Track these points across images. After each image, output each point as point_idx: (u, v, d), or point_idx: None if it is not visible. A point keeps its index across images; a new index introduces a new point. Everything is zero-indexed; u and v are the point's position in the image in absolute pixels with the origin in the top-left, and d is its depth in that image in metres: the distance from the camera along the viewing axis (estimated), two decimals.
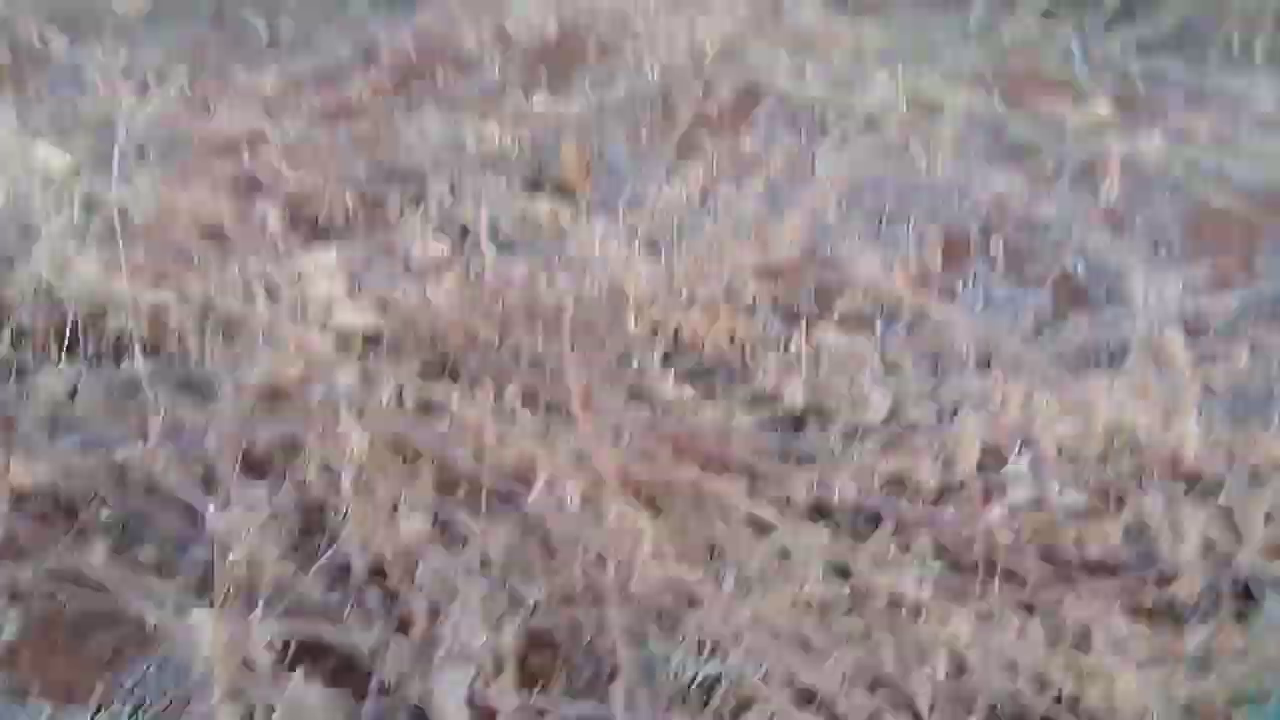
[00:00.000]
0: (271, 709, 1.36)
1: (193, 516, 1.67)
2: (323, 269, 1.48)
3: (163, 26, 3.06)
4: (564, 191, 2.10)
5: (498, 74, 2.54)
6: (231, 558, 1.48)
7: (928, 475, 1.38)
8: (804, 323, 1.67)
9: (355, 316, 1.51)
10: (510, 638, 1.42)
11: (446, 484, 1.58)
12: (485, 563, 1.47)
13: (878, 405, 1.47)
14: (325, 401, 1.61)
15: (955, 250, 1.92)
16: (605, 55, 2.57)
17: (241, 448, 1.62)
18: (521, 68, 2.54)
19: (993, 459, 1.43)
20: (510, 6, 2.50)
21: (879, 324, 1.73)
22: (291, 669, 1.37)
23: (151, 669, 1.56)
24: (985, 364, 1.64)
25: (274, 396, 1.68)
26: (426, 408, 1.60)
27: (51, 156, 1.95)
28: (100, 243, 1.82)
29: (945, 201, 2.04)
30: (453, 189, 2.15)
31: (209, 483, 1.62)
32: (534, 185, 2.16)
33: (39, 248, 1.71)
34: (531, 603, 1.47)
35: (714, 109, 2.20)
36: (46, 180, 1.95)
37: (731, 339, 1.65)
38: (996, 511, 1.35)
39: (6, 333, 1.82)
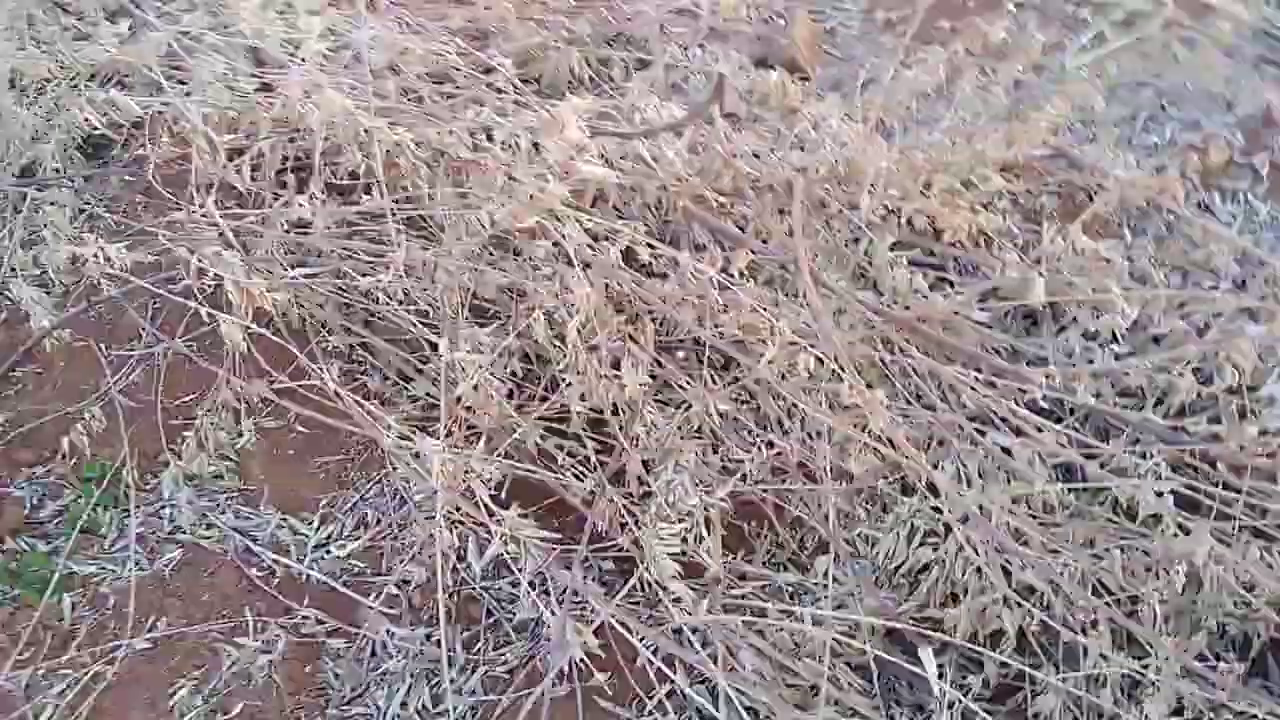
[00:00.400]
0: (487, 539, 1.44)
1: (416, 353, 1.76)
2: (569, 119, 1.49)
3: None
4: (793, 69, 2.06)
5: None
6: (456, 394, 1.55)
7: (1179, 388, 1.34)
8: (1047, 222, 1.61)
9: (595, 169, 1.53)
10: (721, 501, 1.46)
11: (667, 345, 1.62)
12: (701, 425, 1.51)
13: (1124, 313, 1.42)
14: (553, 252, 1.66)
15: (1215, 163, 1.82)
16: None
17: (469, 290, 1.68)
18: None
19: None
20: None
21: (1127, 231, 1.68)
22: (507, 506, 1.43)
23: (374, 489, 1.67)
24: (1240, 283, 1.57)
25: (502, 244, 1.74)
26: (652, 268, 1.62)
27: None
28: (341, 79, 1.88)
29: (1208, 110, 1.93)
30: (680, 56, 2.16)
31: (435, 321, 1.69)
32: (763, 60, 2.13)
33: (286, 78, 1.77)
34: (744, 470, 1.50)
35: None
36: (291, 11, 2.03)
37: (968, 231, 1.62)
38: (1249, 432, 1.30)
39: (248, 160, 1.91)
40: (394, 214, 1.67)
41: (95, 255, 1.66)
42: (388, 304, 1.72)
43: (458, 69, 2.05)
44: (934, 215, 1.63)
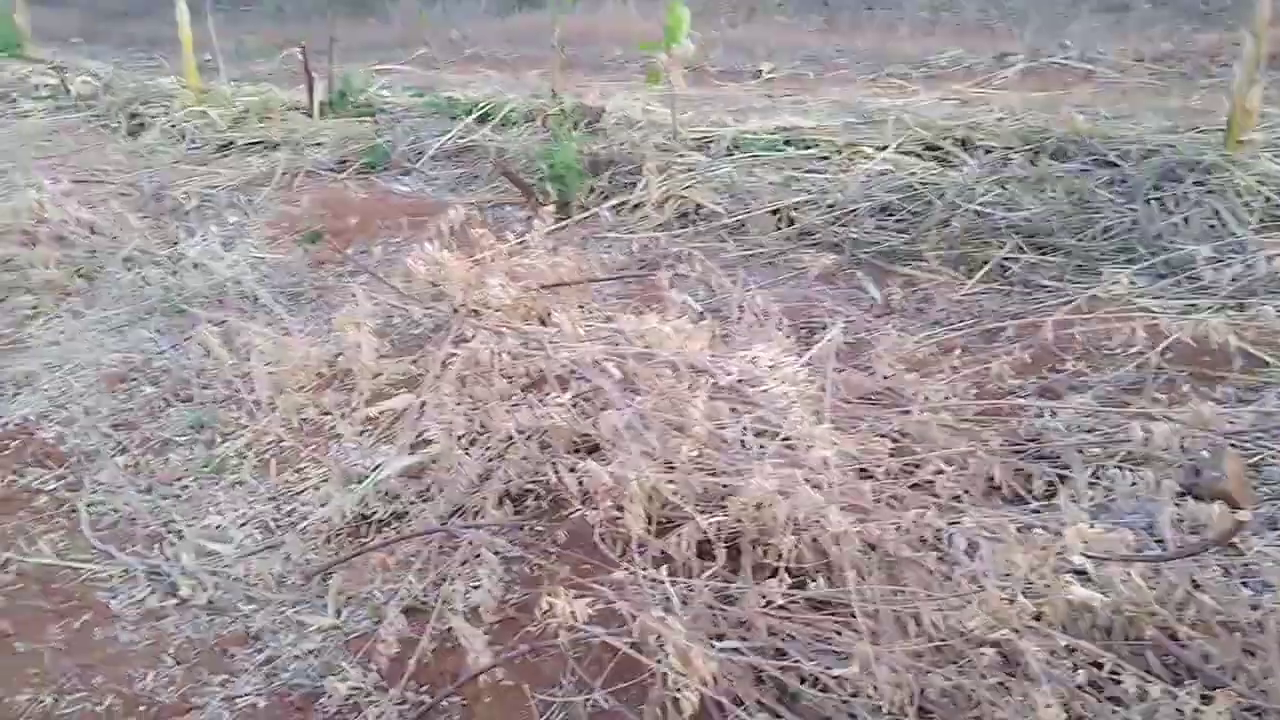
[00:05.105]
0: None
1: None
2: (1073, 541, 1.60)
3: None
4: (1227, 502, 2.11)
5: (1136, 370, 2.65)
6: None
7: None
8: None
9: (1083, 591, 1.62)
10: None
11: None
12: None
13: None
14: (997, 661, 1.72)
15: None
16: (1252, 367, 2.61)
17: (912, 690, 1.75)
18: (1160, 368, 2.64)
19: None
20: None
21: None
22: None
23: None
24: None
25: (941, 648, 1.81)
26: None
27: None
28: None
29: None
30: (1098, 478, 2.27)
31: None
32: (1188, 490, 2.20)
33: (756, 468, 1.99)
34: None
35: None
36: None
37: None
38: None
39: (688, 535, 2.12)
40: (855, 607, 1.80)
41: (564, 610, 1.87)
42: (815, 688, 1.82)
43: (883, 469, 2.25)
44: None
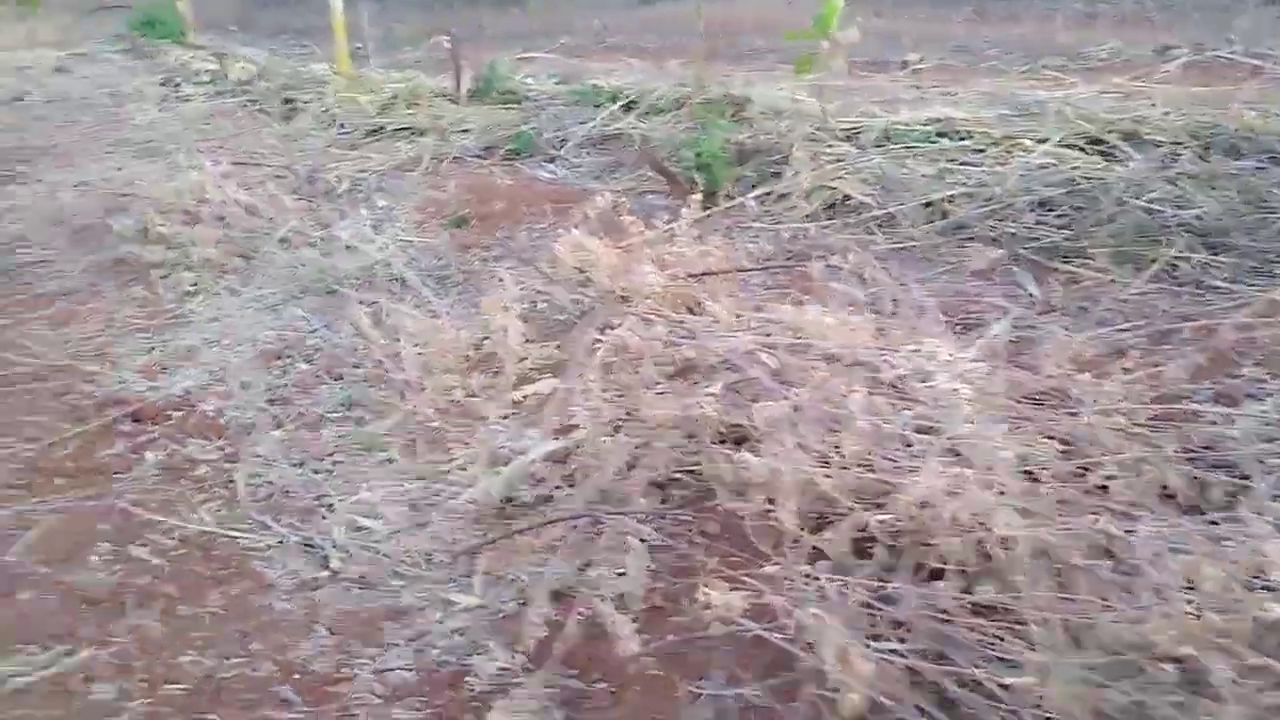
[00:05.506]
0: None
1: None
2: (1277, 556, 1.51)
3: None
4: None
5: None
6: None
7: None
8: None
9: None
10: None
11: None
12: None
13: None
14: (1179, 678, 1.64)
15: None
16: None
17: (1087, 703, 1.67)
18: None
19: None
20: None
21: None
22: None
23: None
24: None
25: (1121, 661, 1.73)
26: None
27: None
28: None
29: None
30: None
31: None
32: None
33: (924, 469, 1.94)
34: None
35: None
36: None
37: None
38: None
39: (848, 531, 2.07)
40: (1026, 613, 1.73)
41: (719, 603, 1.85)
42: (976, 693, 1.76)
43: (1057, 476, 2.16)
44: None
